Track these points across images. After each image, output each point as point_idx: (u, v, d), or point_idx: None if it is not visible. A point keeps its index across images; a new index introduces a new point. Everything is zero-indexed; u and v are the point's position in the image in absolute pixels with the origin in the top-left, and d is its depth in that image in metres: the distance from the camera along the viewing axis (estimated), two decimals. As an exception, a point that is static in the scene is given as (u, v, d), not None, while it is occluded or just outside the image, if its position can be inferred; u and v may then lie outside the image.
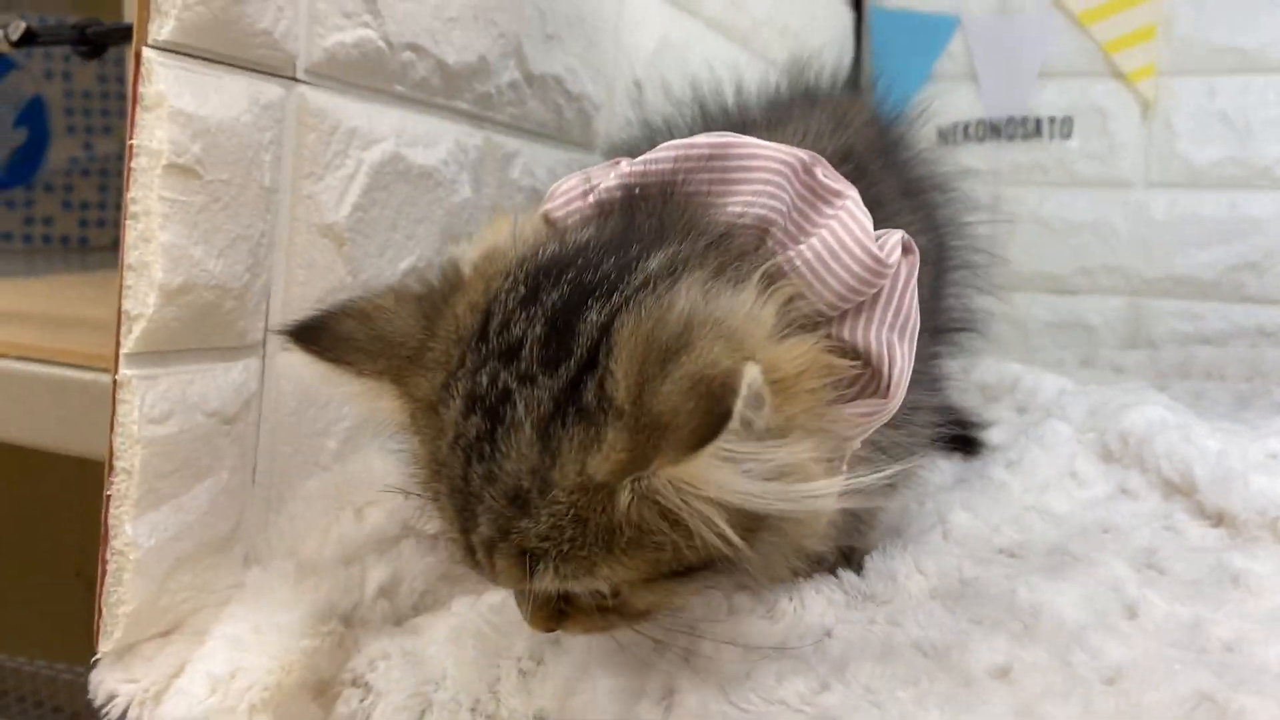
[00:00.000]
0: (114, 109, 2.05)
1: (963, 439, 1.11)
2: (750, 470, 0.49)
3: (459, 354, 0.58)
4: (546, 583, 0.55)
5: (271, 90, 0.77)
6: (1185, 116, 1.95)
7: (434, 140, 0.94)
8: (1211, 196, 1.94)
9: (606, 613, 0.60)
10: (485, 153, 1.02)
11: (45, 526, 1.62)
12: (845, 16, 2.13)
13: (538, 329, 0.56)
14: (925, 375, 0.80)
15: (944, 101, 2.14)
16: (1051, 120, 2.04)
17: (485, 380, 0.56)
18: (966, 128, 2.11)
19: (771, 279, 0.57)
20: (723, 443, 0.47)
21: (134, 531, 0.70)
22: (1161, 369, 1.84)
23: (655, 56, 1.32)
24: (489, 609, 0.73)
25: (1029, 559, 0.82)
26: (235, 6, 0.72)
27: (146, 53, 0.68)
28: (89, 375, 0.84)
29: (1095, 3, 1.97)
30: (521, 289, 0.58)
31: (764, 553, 0.57)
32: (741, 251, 0.60)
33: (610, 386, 0.52)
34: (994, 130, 2.09)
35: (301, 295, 0.82)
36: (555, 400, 0.53)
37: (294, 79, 0.79)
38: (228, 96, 0.73)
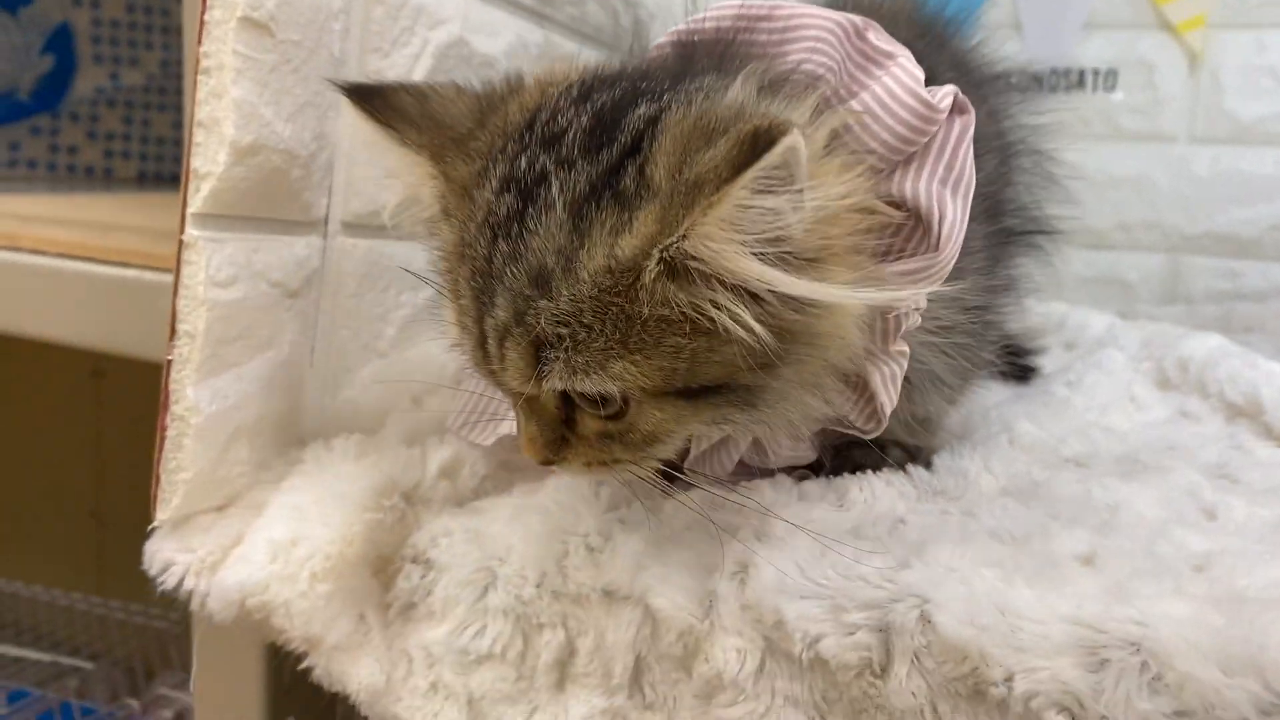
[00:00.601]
0: (140, 40, 2.03)
1: (1018, 366, 1.09)
2: (779, 240, 0.49)
3: (501, 143, 0.58)
4: (555, 379, 0.54)
5: (342, -43, 0.75)
6: (1233, 71, 1.92)
7: (496, 30, 0.92)
8: (1256, 153, 1.91)
9: (609, 441, 0.58)
10: (545, 50, 1.00)
11: (61, 467, 1.62)
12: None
13: (584, 120, 0.56)
14: (999, 280, 0.78)
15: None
16: (1096, 72, 2.01)
17: (524, 164, 0.55)
18: (1009, 78, 2.08)
19: (821, 109, 0.57)
20: (757, 179, 0.47)
21: (195, 396, 0.69)
22: (1200, 323, 1.82)
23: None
24: (555, 488, 0.72)
25: (1098, 467, 0.80)
26: None
27: (224, -98, 0.66)
28: (131, 273, 0.82)
29: (1146, -48, 1.94)
30: (574, 91, 0.59)
31: (782, 380, 0.56)
32: (795, 88, 0.59)
33: (650, 170, 0.52)
34: (1037, 81, 2.05)
35: (363, 175, 0.80)
36: (592, 183, 0.53)
37: (364, -51, 0.77)
38: (301, -45, 0.71)
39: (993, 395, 0.97)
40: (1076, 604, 0.54)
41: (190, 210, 0.68)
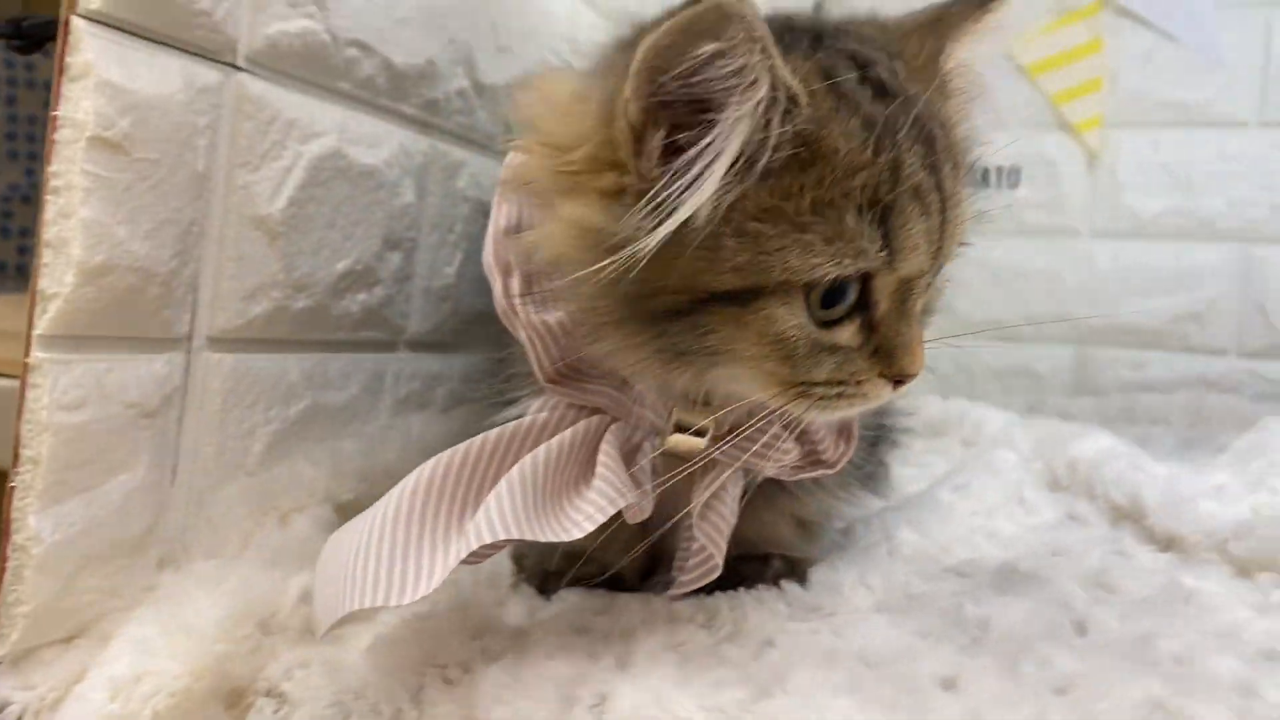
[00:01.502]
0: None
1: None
2: None
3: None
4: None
5: (209, 74, 0.74)
6: (1130, 168, 1.98)
7: (378, 141, 0.92)
8: (1156, 247, 1.97)
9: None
10: (431, 159, 0.99)
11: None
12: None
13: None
14: None
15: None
16: (999, 169, 2.06)
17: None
18: (918, 174, 2.13)
19: None
20: None
21: (38, 525, 0.66)
22: (1108, 415, 1.85)
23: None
24: (415, 617, 0.70)
25: (977, 576, 0.79)
26: (172, -19, 0.70)
27: (75, 21, 0.65)
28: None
29: (1044, 54, 2.01)
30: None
31: None
32: None
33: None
34: (944, 177, 2.10)
35: (231, 289, 0.79)
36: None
37: (234, 65, 0.77)
38: (161, 74, 0.70)
39: (875, 500, 0.97)
40: (928, 737, 0.53)
41: (36, 332, 0.66)
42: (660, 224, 0.55)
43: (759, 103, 0.55)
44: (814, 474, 0.72)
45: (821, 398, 0.62)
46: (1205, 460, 1.23)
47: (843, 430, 0.72)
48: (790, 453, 0.69)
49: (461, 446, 0.65)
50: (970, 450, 1.26)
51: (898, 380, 0.63)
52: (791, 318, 0.59)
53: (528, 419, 0.68)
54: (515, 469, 0.64)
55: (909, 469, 1.20)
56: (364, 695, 0.64)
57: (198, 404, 0.78)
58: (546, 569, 0.79)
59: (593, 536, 0.76)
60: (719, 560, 0.70)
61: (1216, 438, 1.58)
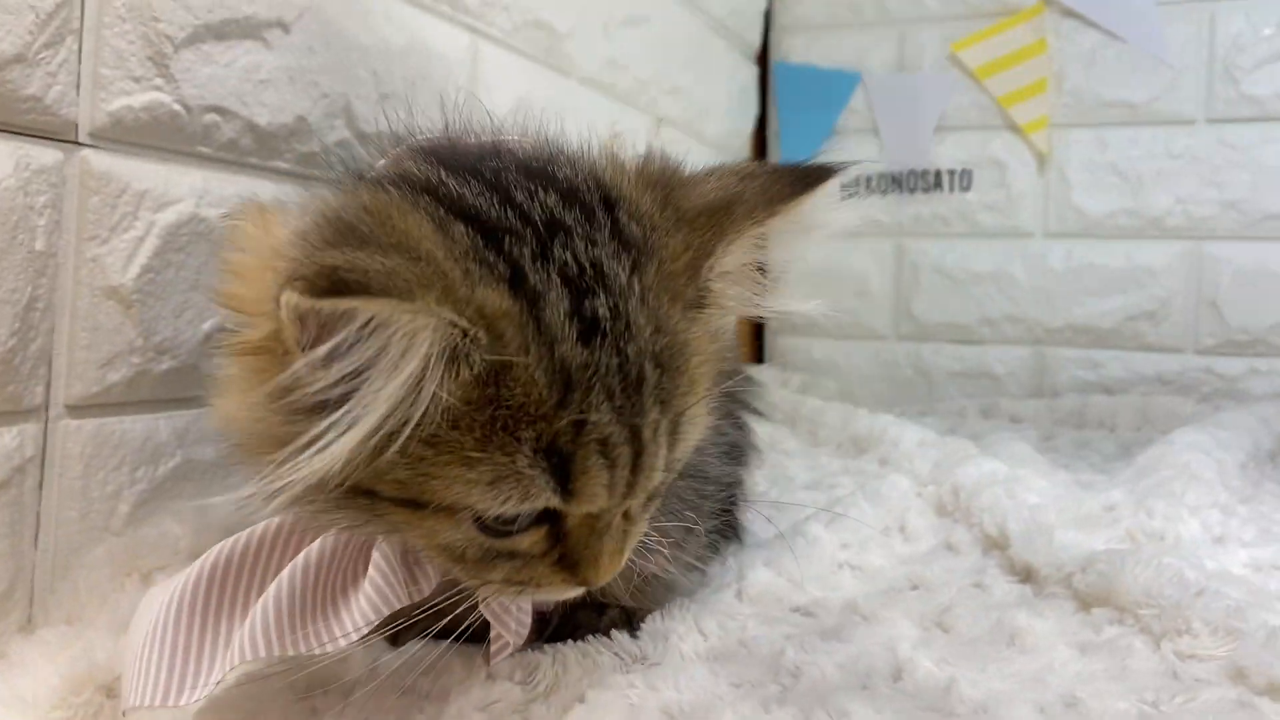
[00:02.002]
0: None
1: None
2: None
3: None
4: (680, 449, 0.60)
5: (46, 154, 0.77)
6: (1079, 168, 1.98)
7: (252, 197, 0.94)
8: (1106, 246, 1.96)
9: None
10: (310, 212, 1.02)
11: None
12: (748, 72, 2.15)
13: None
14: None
15: (847, 155, 2.16)
16: (951, 173, 2.07)
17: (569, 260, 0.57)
18: (870, 181, 2.14)
19: None
20: None
21: (-121, 602, 0.69)
22: (1059, 417, 1.85)
23: (512, 115, 1.33)
24: (251, 673, 0.72)
25: (819, 617, 0.81)
26: (-8, 72, 0.72)
27: (-109, 119, 0.68)
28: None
29: (989, 58, 2.01)
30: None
31: None
32: None
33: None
34: (896, 183, 2.11)
35: (86, 358, 0.81)
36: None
37: (75, 142, 0.80)
38: (-12, 161, 0.73)
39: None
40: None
41: None
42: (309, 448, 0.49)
43: (416, 364, 0.48)
44: None
45: (503, 589, 0.60)
46: (1124, 469, 1.24)
47: None
48: None
49: (244, 534, 0.66)
50: (884, 468, 1.26)
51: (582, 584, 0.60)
52: (457, 533, 0.56)
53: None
54: (285, 573, 0.63)
55: (815, 493, 1.21)
56: (192, 758, 0.67)
57: (57, 470, 0.81)
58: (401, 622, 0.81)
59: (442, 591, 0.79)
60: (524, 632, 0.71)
61: (1156, 440, 1.59)
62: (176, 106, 0.86)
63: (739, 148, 2.20)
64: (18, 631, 0.78)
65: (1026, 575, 0.88)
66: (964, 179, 2.06)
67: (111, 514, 0.85)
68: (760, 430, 1.66)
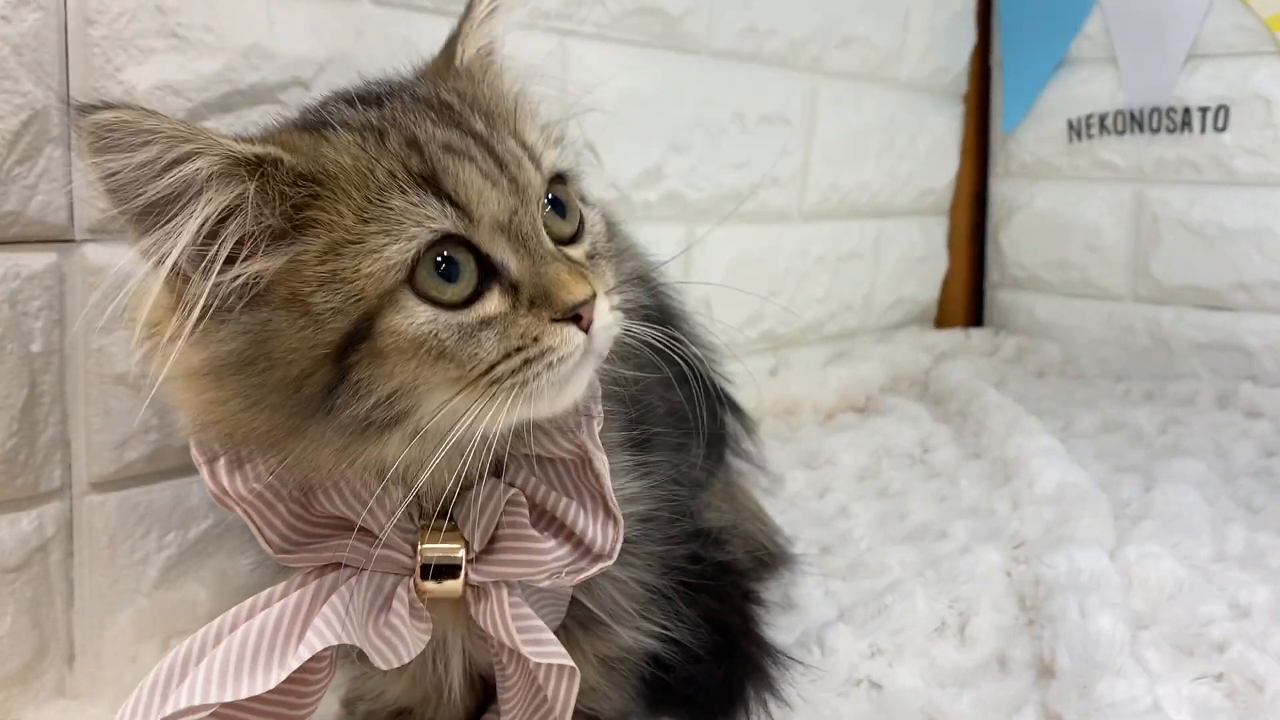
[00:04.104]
0: None
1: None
2: None
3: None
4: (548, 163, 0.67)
5: (37, 260, 0.81)
6: (1369, 103, 1.60)
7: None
8: (1401, 201, 1.59)
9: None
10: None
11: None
12: (968, -4, 1.90)
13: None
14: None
15: (1078, 90, 1.88)
16: (1203, 110, 1.74)
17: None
18: (1103, 119, 1.85)
19: None
20: None
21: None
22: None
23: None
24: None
25: None
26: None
27: None
28: None
29: (1257, -32, 1.65)
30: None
31: None
32: None
33: None
34: (1135, 122, 1.81)
35: (103, 440, 0.86)
36: None
37: (72, 241, 0.83)
38: (-29, 277, 0.77)
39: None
40: None
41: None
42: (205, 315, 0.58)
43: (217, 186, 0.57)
44: (594, 570, 0.67)
45: (515, 375, 0.60)
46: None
47: (595, 503, 0.67)
48: (551, 550, 0.66)
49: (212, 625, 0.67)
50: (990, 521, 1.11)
51: (574, 316, 0.62)
52: (415, 317, 0.59)
53: (263, 595, 0.68)
54: (238, 633, 0.63)
55: (911, 548, 1.09)
56: None
57: (86, 542, 0.87)
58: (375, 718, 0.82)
59: (412, 690, 0.78)
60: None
61: None
62: (178, 189, 0.87)
63: (947, 86, 1.96)
64: (51, 696, 0.86)
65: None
66: (1219, 117, 1.73)
67: (140, 578, 0.91)
68: (920, 425, 1.51)
